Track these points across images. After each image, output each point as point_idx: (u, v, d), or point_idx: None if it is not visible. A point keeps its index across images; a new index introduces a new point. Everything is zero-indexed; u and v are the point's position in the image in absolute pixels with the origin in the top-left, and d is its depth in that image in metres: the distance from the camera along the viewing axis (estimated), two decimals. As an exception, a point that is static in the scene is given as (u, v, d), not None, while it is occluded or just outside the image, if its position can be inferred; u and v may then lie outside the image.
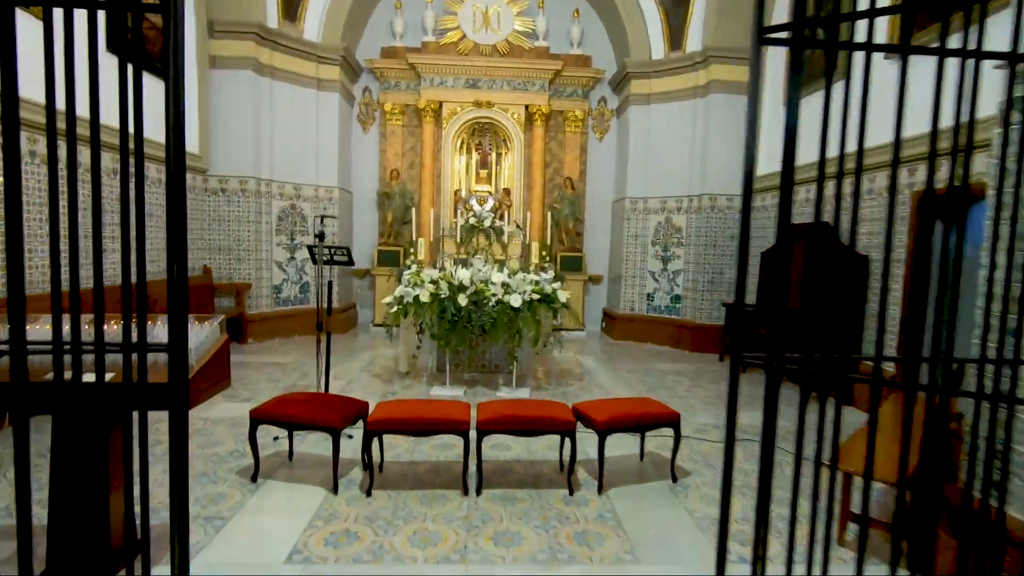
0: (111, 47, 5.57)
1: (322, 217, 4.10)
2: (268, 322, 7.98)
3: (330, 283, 4.37)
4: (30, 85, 3.98)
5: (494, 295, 4.85)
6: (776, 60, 7.21)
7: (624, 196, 8.97)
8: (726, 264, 8.03)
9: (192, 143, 7.18)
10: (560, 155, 9.52)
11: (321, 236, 4.07)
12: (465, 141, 9.46)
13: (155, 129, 6.32)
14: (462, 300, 4.78)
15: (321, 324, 4.16)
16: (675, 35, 8.30)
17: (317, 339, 4.32)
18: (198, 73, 7.19)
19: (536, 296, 4.89)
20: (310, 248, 4.26)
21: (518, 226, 8.69)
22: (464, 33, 8.86)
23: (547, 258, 8.63)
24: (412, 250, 8.79)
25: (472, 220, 8.87)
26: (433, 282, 4.94)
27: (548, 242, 9.19)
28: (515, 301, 4.79)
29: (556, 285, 5.03)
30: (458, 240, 8.75)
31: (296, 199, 8.30)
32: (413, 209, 9.01)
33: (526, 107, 9.09)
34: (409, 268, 8.71)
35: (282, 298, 8.25)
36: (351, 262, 4.37)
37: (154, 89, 6.52)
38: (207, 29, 7.30)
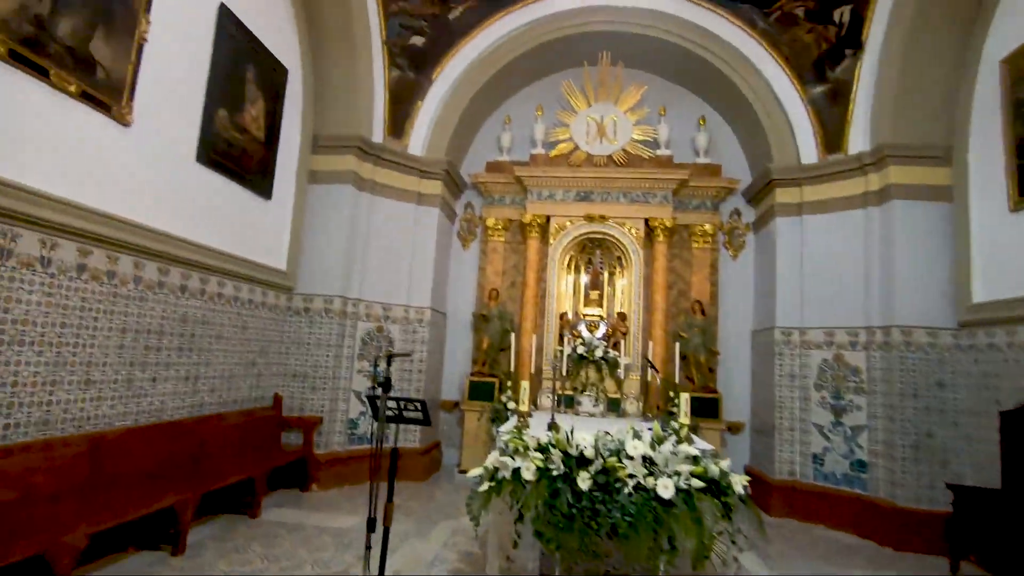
0: (200, 159, 5.16)
1: (389, 356, 2.87)
2: (338, 465, 6.74)
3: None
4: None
5: (631, 476, 3.24)
6: (989, 154, 5.53)
7: (771, 325, 7.18)
8: (936, 423, 5.79)
9: (281, 259, 6.61)
10: (686, 275, 8.07)
11: (386, 385, 2.81)
12: (574, 259, 8.34)
13: (243, 243, 5.71)
14: (584, 482, 3.21)
15: (373, 521, 2.76)
16: (832, 135, 6.93)
17: (367, 538, 2.90)
18: (296, 188, 6.80)
19: (696, 482, 3.21)
20: (371, 400, 3.01)
21: (650, 364, 7.08)
22: (576, 144, 8.09)
23: (674, 400, 6.87)
24: (509, 383, 7.44)
25: (581, 349, 7.46)
26: (541, 449, 3.44)
27: (674, 379, 7.44)
28: (665, 489, 3.14)
29: (725, 465, 3.33)
30: (564, 372, 7.30)
31: (384, 320, 7.40)
32: (512, 334, 7.79)
33: (646, 221, 7.90)
34: (503, 405, 7.36)
35: (357, 435, 7.07)
36: (427, 420, 3.04)
37: (241, 199, 6.13)
38: (311, 144, 7.03)
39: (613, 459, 3.32)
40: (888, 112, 6.28)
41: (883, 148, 6.24)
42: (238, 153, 5.67)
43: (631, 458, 3.33)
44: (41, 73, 3.56)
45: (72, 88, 3.78)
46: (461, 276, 8.63)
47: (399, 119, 7.59)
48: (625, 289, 8.12)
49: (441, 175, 7.78)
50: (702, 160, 8.11)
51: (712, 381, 7.61)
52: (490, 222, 8.41)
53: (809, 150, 7.09)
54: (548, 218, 8.09)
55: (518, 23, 7.77)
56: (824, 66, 6.93)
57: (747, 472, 7.39)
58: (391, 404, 2.92)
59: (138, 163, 4.45)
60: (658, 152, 7.98)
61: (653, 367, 7.00)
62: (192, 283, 5.15)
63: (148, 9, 4.40)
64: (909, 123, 6.21)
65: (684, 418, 3.96)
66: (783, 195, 7.20)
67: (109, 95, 4.09)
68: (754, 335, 7.82)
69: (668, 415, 6.42)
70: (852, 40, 6.63)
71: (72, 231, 3.85)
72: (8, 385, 3.49)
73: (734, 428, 7.66)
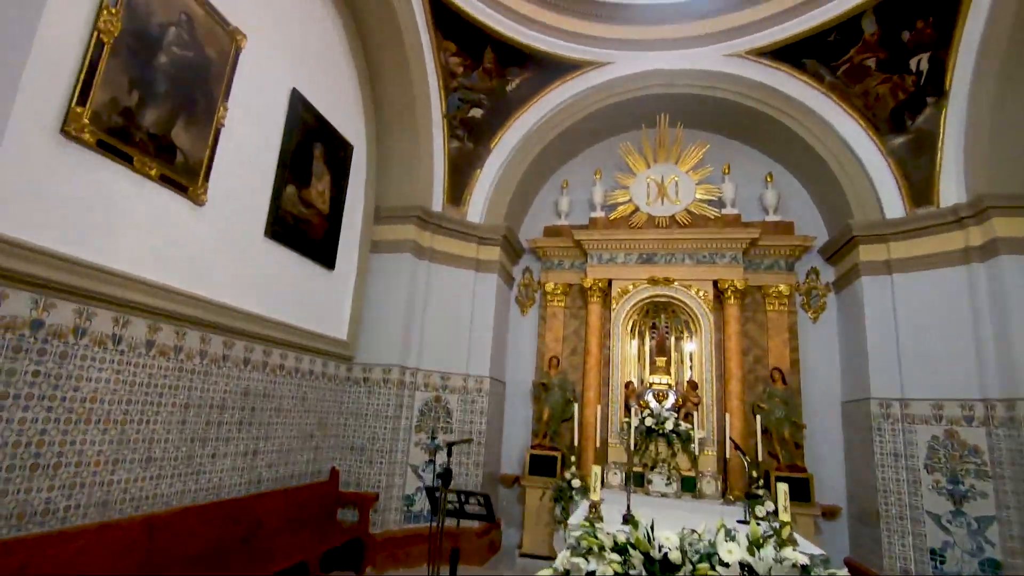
0: (269, 234, 5.29)
1: (450, 445, 2.61)
2: (394, 545, 6.39)
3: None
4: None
5: (726, 586, 2.77)
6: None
7: (865, 396, 6.45)
8: (1088, 516, 4.87)
9: (341, 329, 6.62)
10: (761, 340, 7.49)
11: (446, 477, 2.54)
12: (637, 324, 7.95)
13: (306, 314, 5.72)
14: (670, 592, 2.77)
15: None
16: (919, 188, 6.41)
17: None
18: (358, 258, 6.89)
19: (808, 597, 2.70)
20: (430, 491, 2.75)
21: (734, 445, 6.47)
22: (637, 206, 7.90)
23: (758, 480, 6.19)
24: (572, 458, 6.98)
25: (649, 421, 6.94)
26: (619, 549, 3.03)
27: (756, 455, 6.74)
28: (770, 607, 2.65)
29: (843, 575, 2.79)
30: (631, 446, 6.76)
31: (442, 390, 7.20)
32: (575, 405, 7.37)
33: (714, 283, 7.48)
34: (567, 483, 6.84)
35: (414, 512, 6.73)
36: (490, 515, 2.72)
37: (306, 271, 6.22)
38: (373, 215, 7.17)
39: (704, 566, 2.86)
40: (983, 161, 5.76)
41: (983, 199, 5.67)
42: (304, 226, 5.82)
43: (726, 565, 2.85)
44: (125, 160, 3.75)
45: (153, 172, 3.96)
46: (520, 343, 8.39)
47: (458, 188, 7.69)
48: (695, 356, 7.60)
49: (499, 241, 7.74)
50: (772, 218, 7.70)
51: (800, 458, 6.85)
52: (549, 287, 8.22)
53: (894, 204, 6.58)
54: (610, 282, 7.82)
55: (573, 91, 7.85)
56: (903, 116, 6.52)
57: (848, 566, 6.46)
58: (452, 497, 2.63)
59: (210, 240, 4.58)
60: (724, 211, 7.65)
61: (738, 448, 6.36)
62: (255, 356, 5.16)
63: (227, 97, 4.66)
64: (1008, 171, 5.66)
65: (784, 514, 3.42)
66: (868, 252, 6.65)
67: (186, 177, 4.27)
68: (845, 407, 7.05)
69: (753, 499, 5.75)
70: (933, 88, 6.23)
71: (145, 308, 3.92)
72: (72, 465, 3.46)
73: (829, 513, 6.78)
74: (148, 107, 3.91)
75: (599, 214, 8.10)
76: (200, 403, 4.51)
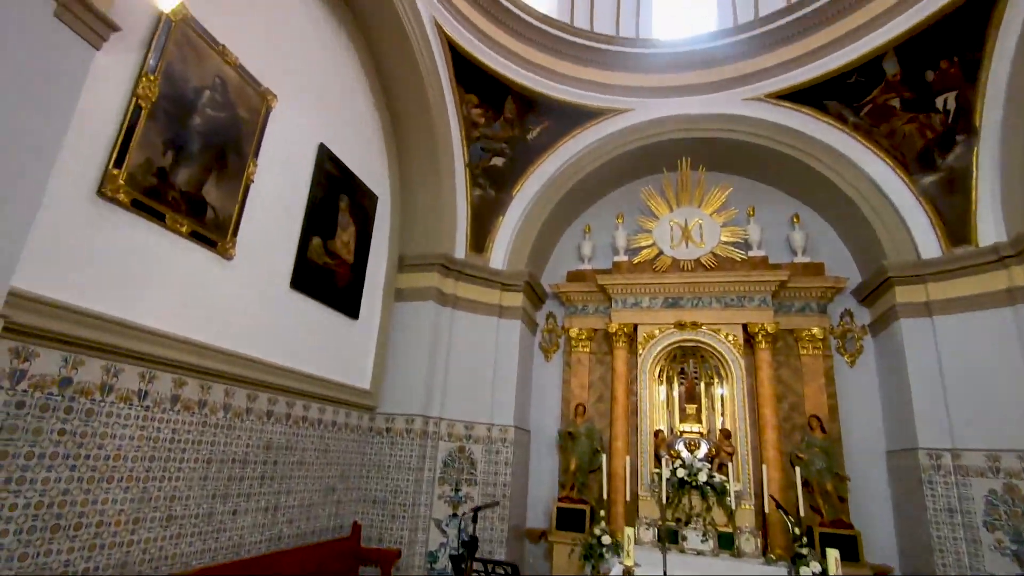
0: (294, 285, 5.34)
1: (475, 511, 2.51)
2: (416, 606, 6.13)
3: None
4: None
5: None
6: None
7: (912, 446, 6.08)
8: None
9: (364, 378, 6.57)
10: (796, 386, 7.19)
11: (472, 545, 2.41)
12: (665, 369, 7.73)
13: (329, 364, 5.69)
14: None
15: None
16: (955, 226, 6.22)
17: None
18: (382, 306, 6.91)
19: None
20: (455, 561, 2.60)
21: (776, 504, 6.16)
22: (661, 250, 7.82)
23: (801, 537, 5.82)
24: (602, 512, 6.69)
25: (681, 472, 6.65)
26: (656, 623, 2.81)
27: (798, 509, 6.36)
28: None
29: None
30: (663, 499, 6.46)
31: (466, 440, 7.03)
32: (603, 455, 7.12)
33: (743, 326, 7.27)
34: (597, 540, 6.51)
35: (437, 569, 6.46)
36: (519, 587, 2.55)
37: (330, 320, 6.22)
38: (397, 263, 7.22)
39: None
40: (1021, 197, 5.57)
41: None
42: (329, 277, 5.87)
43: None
44: (158, 218, 3.85)
45: (184, 229, 4.05)
46: (545, 390, 8.21)
47: (481, 235, 7.73)
48: (726, 402, 7.33)
49: (522, 287, 7.70)
50: (801, 259, 7.52)
51: (844, 513, 6.44)
52: (573, 332, 8.10)
53: (929, 244, 6.37)
54: (635, 327, 7.66)
55: (593, 138, 7.94)
56: (932, 155, 6.40)
57: (906, 634, 5.97)
58: (478, 566, 2.49)
59: (237, 293, 4.63)
60: (750, 253, 7.51)
61: (780, 506, 6.04)
62: (278, 408, 5.12)
63: (257, 154, 4.80)
64: (1052, 208, 5.45)
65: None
66: (904, 294, 6.41)
67: (216, 232, 4.36)
68: (890, 457, 6.66)
69: (799, 559, 5.38)
70: (963, 126, 6.12)
71: (171, 363, 3.94)
72: (93, 525, 3.41)
73: (880, 574, 6.30)
74: (181, 166, 4.04)
75: (623, 258, 8.03)
76: (223, 458, 4.46)
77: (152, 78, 3.75)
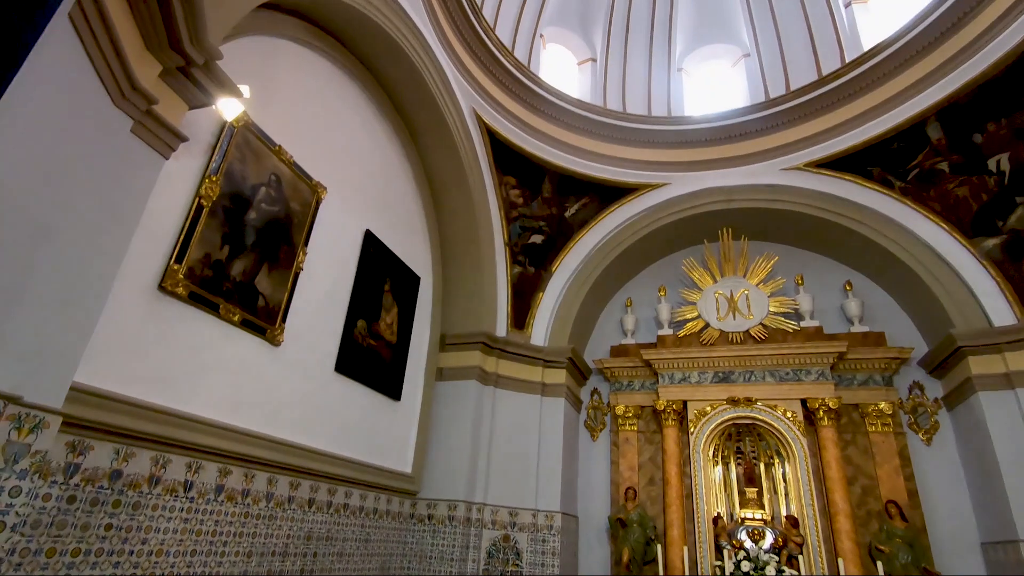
0: (339, 368, 5.38)
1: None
2: None
3: None
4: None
5: None
6: None
7: (1012, 538, 5.40)
8: None
9: (406, 462, 6.43)
10: (867, 467, 6.61)
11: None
12: (720, 449, 7.28)
13: (371, 449, 5.60)
14: None
15: None
16: (1028, 292, 5.82)
17: None
18: (424, 386, 6.87)
19: None
20: None
21: None
22: (707, 322, 7.60)
23: (893, 647, 5.12)
24: (661, 612, 6.12)
25: (746, 566, 6.10)
26: None
27: (884, 613, 5.65)
28: None
29: None
30: (728, 598, 5.87)
31: (510, 528, 6.68)
32: (658, 545, 6.62)
33: (802, 402, 6.85)
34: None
35: (482, 676, 5.96)
36: None
37: (372, 403, 6.19)
38: (439, 343, 7.24)
39: None
40: (1101, 260, 5.20)
41: (1111, 303, 5.03)
42: (372, 358, 5.90)
43: None
44: (212, 309, 4.00)
45: (236, 319, 4.18)
46: (592, 473, 7.82)
47: (521, 312, 7.73)
48: (790, 485, 6.78)
49: (564, 363, 7.54)
50: (858, 328, 7.15)
51: (941, 617, 5.68)
52: (619, 410, 7.79)
53: (1000, 310, 5.96)
54: (684, 403, 7.33)
55: (631, 212, 8.00)
56: (991, 218, 6.13)
57: None
58: None
59: (284, 379, 4.69)
60: (803, 324, 7.21)
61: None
62: (320, 495, 5.02)
63: (307, 243, 5.01)
64: None
65: None
66: (979, 364, 5.94)
67: (266, 320, 4.49)
68: (987, 550, 5.92)
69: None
70: (1020, 187, 5.87)
71: (217, 452, 3.94)
72: (131, 627, 3.31)
73: None
74: (236, 259, 4.23)
75: (667, 332, 7.83)
76: (263, 551, 4.34)
77: (214, 179, 4.03)
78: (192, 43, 2.97)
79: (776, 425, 6.87)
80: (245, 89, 3.73)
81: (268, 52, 4.78)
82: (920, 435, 6.68)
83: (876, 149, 6.78)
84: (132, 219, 3.02)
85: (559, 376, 7.53)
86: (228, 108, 3.76)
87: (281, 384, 4.67)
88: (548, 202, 7.88)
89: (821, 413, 6.72)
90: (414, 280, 6.82)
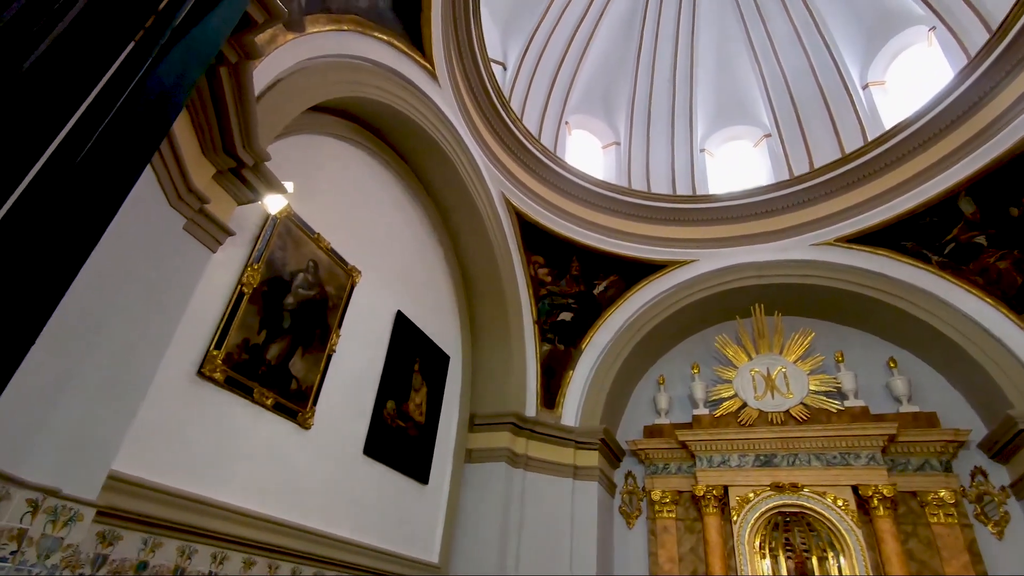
0: (367, 451, 5.33)
1: None
2: None
3: None
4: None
5: None
6: None
7: (1112, 651, 4.77)
8: None
9: (432, 550, 6.17)
10: (932, 563, 6.04)
11: None
12: (766, 540, 6.79)
13: (397, 535, 5.41)
14: None
15: None
16: (1090, 370, 5.47)
17: None
18: (452, 469, 6.70)
19: None
20: None
21: None
22: (744, 401, 7.33)
23: None
24: None
25: None
26: None
27: None
28: None
29: None
30: None
31: (543, 627, 6.24)
32: (704, 650, 6.05)
33: (854, 488, 6.41)
34: None
35: None
36: None
37: (399, 486, 6.03)
38: (468, 424, 7.14)
39: None
40: None
41: None
42: (400, 440, 5.84)
43: None
44: (246, 393, 4.07)
45: (269, 402, 4.24)
46: (629, 564, 7.33)
47: (551, 391, 7.61)
48: (848, 583, 6.21)
49: (596, 444, 7.30)
50: (907, 408, 6.78)
51: None
52: (656, 495, 7.41)
53: (1062, 390, 5.60)
54: (725, 488, 6.94)
55: (660, 289, 7.99)
56: (1039, 292, 5.90)
57: None
58: None
59: (312, 463, 4.66)
60: (847, 403, 6.88)
61: None
62: (343, 588, 4.82)
63: (340, 325, 5.13)
64: None
65: None
66: (1047, 450, 5.52)
67: (297, 403, 4.53)
68: (1084, 666, 5.22)
69: None
70: (1067, 261, 5.68)
71: (243, 541, 3.87)
72: None
73: None
74: (273, 342, 4.35)
75: (702, 411, 7.56)
76: (282, 650, 4.14)
77: (256, 267, 4.23)
78: (244, 148, 3.23)
79: (827, 514, 6.41)
80: (289, 185, 3.99)
81: (309, 147, 5.14)
82: (989, 527, 6.11)
83: (908, 224, 6.72)
84: (178, 310, 3.17)
85: (591, 458, 7.27)
86: (273, 203, 4.01)
87: (309, 468, 4.63)
88: (576, 280, 7.95)
89: (875, 501, 6.26)
90: (443, 359, 6.84)
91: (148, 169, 2.84)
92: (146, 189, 2.87)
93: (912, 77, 7.74)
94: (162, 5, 0.75)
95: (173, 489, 3.42)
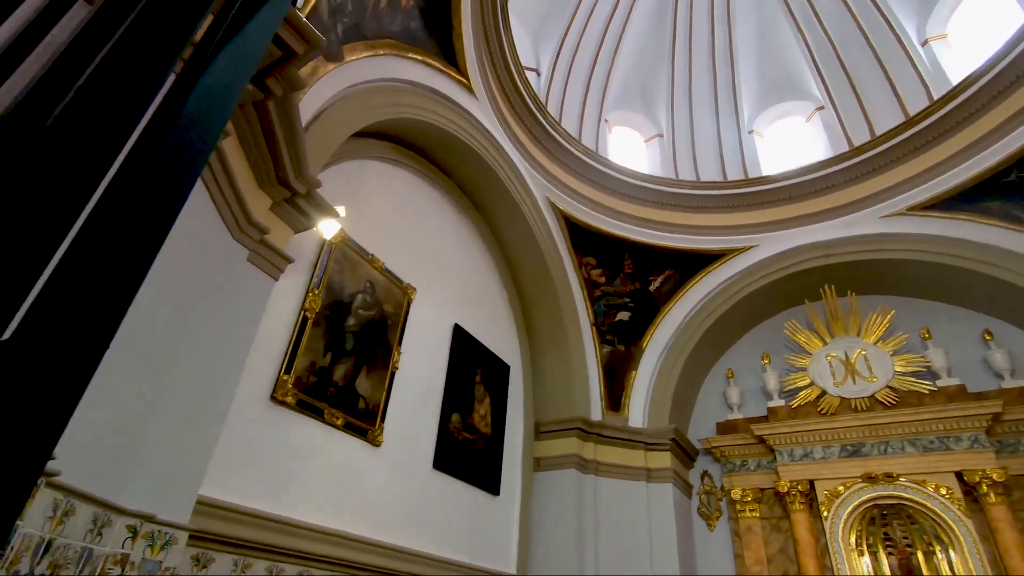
0: (437, 465, 5.37)
1: None
2: None
3: None
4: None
5: None
6: None
7: None
8: None
9: (509, 562, 6.13)
10: (1060, 552, 5.45)
11: None
12: (863, 535, 6.34)
13: (472, 548, 5.41)
14: None
15: None
16: None
17: None
18: (522, 479, 6.66)
19: None
20: None
21: None
22: (823, 389, 6.92)
23: None
24: None
25: None
26: None
27: None
28: None
29: None
30: None
31: (629, 636, 6.05)
32: (805, 656, 5.69)
33: (958, 475, 5.90)
34: None
35: None
36: None
37: (471, 498, 6.02)
38: (534, 432, 7.08)
39: None
40: None
41: None
42: (468, 452, 5.86)
43: None
44: (317, 414, 4.19)
45: (339, 422, 4.35)
46: (713, 568, 7.01)
47: (615, 392, 7.46)
48: (962, 578, 5.70)
49: (667, 445, 7.07)
50: (1011, 383, 6.19)
51: None
52: (735, 494, 7.08)
53: None
54: (811, 483, 6.55)
55: (719, 279, 7.70)
56: None
57: None
58: None
59: (384, 480, 4.73)
60: (940, 383, 6.36)
61: None
62: (425, 603, 4.85)
63: (400, 342, 5.23)
64: None
65: None
66: None
67: (366, 421, 4.63)
68: None
69: None
70: None
71: (326, 559, 3.96)
72: None
73: None
74: (338, 364, 4.47)
75: (778, 402, 7.20)
76: (372, 666, 4.20)
77: (316, 292, 4.37)
78: (296, 177, 3.36)
79: (929, 504, 5.92)
80: (341, 209, 4.11)
81: (356, 172, 5.29)
82: (1125, 510, 5.47)
83: (990, 183, 6.18)
84: (248, 337, 3.31)
85: (663, 460, 7.04)
86: (327, 228, 4.14)
87: (382, 485, 4.71)
88: (630, 278, 7.79)
89: (985, 487, 5.73)
90: (504, 369, 6.84)
91: (211, 205, 3.00)
92: (211, 225, 3.02)
93: (978, 27, 7.17)
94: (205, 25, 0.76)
95: (258, 511, 3.55)
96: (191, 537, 3.06)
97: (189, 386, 2.87)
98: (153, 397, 2.65)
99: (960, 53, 7.32)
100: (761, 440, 6.98)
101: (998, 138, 6.02)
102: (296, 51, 2.61)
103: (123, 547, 2.31)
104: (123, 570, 2.27)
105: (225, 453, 3.49)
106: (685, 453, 7.46)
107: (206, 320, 2.99)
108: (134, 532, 2.39)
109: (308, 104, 3.96)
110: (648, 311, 7.82)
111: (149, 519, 2.50)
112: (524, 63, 7.41)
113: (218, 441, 3.20)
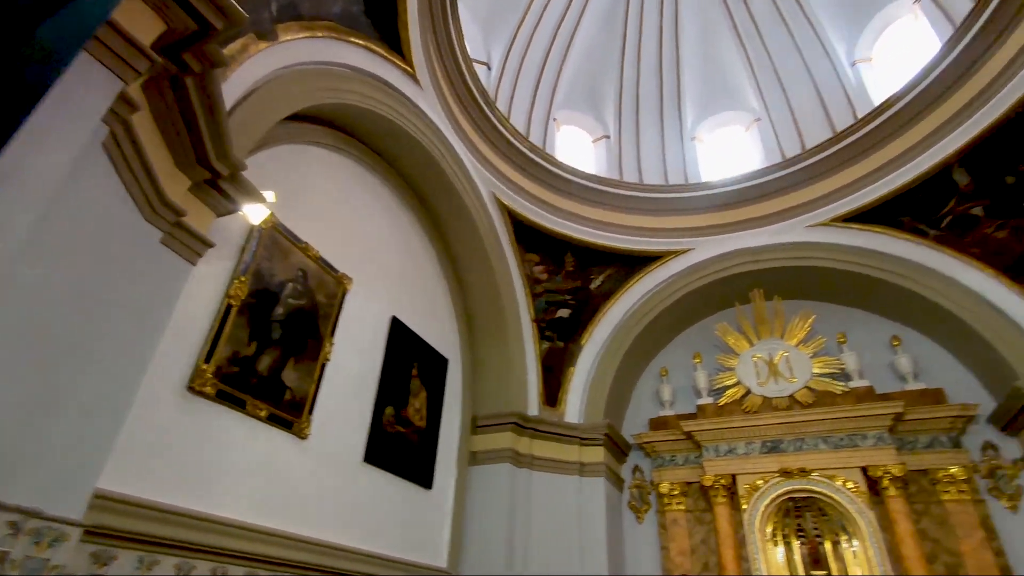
0: (368, 458, 5.29)
1: None
2: None
3: None
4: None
5: None
6: None
7: None
8: None
9: (440, 555, 6.13)
10: (947, 541, 5.94)
11: None
12: (778, 527, 6.70)
13: (403, 542, 5.36)
14: None
15: None
16: (1096, 337, 5.38)
17: None
18: (456, 472, 6.66)
19: None
20: None
21: None
22: (748, 388, 7.26)
23: None
24: None
25: (824, 665, 5.38)
26: None
27: None
28: None
29: None
30: None
31: (556, 626, 6.18)
32: (720, 642, 5.97)
33: (863, 470, 6.33)
34: None
35: None
36: None
37: (403, 493, 5.96)
38: (470, 426, 7.09)
39: None
40: None
41: None
42: (401, 446, 5.80)
43: None
44: (239, 405, 4.05)
45: (262, 414, 4.22)
46: (640, 559, 7.26)
47: (552, 388, 7.57)
48: (861, 566, 6.12)
49: (601, 440, 7.24)
50: (913, 386, 6.69)
51: None
52: (664, 487, 7.34)
53: (1068, 358, 5.51)
54: (734, 477, 6.86)
55: (657, 280, 7.93)
56: (1039, 260, 5.81)
57: None
58: None
59: (311, 473, 4.63)
60: (851, 384, 6.80)
61: None
62: (350, 598, 4.78)
63: (333, 333, 5.11)
64: None
65: None
66: (1056, 420, 5.42)
67: (292, 413, 4.50)
68: (1107, 638, 5.12)
69: None
70: (1066, 227, 5.59)
71: (243, 555, 3.84)
72: None
73: None
74: (263, 354, 4.33)
75: (707, 400, 7.50)
76: (289, 663, 4.10)
77: (243, 279, 4.21)
78: (217, 158, 3.21)
79: (837, 497, 6.33)
80: (270, 195, 3.97)
81: (293, 158, 5.12)
82: (1003, 502, 6.01)
83: (903, 199, 6.63)
84: (159, 323, 3.15)
85: (597, 454, 7.21)
86: (254, 213, 3.99)
87: (308, 478, 4.60)
88: (572, 275, 7.90)
89: (886, 482, 6.18)
90: (442, 362, 6.81)
91: (119, 183, 2.83)
92: (120, 204, 2.85)
93: (899, 52, 7.66)
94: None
95: (167, 505, 3.40)
96: (89, 533, 2.90)
97: (89, 373, 2.71)
98: (46, 386, 2.48)
99: (883, 75, 7.80)
100: (689, 436, 7.25)
101: (911, 158, 6.45)
102: (215, 26, 2.49)
103: (2, 545, 2.16)
104: (1, 568, 2.12)
105: (134, 446, 3.32)
106: (618, 448, 7.67)
107: (111, 305, 2.82)
108: (16, 528, 2.24)
109: (237, 82, 3.80)
110: (588, 309, 7.96)
111: (34, 515, 2.34)
112: (474, 56, 7.37)
113: (123, 433, 3.04)
